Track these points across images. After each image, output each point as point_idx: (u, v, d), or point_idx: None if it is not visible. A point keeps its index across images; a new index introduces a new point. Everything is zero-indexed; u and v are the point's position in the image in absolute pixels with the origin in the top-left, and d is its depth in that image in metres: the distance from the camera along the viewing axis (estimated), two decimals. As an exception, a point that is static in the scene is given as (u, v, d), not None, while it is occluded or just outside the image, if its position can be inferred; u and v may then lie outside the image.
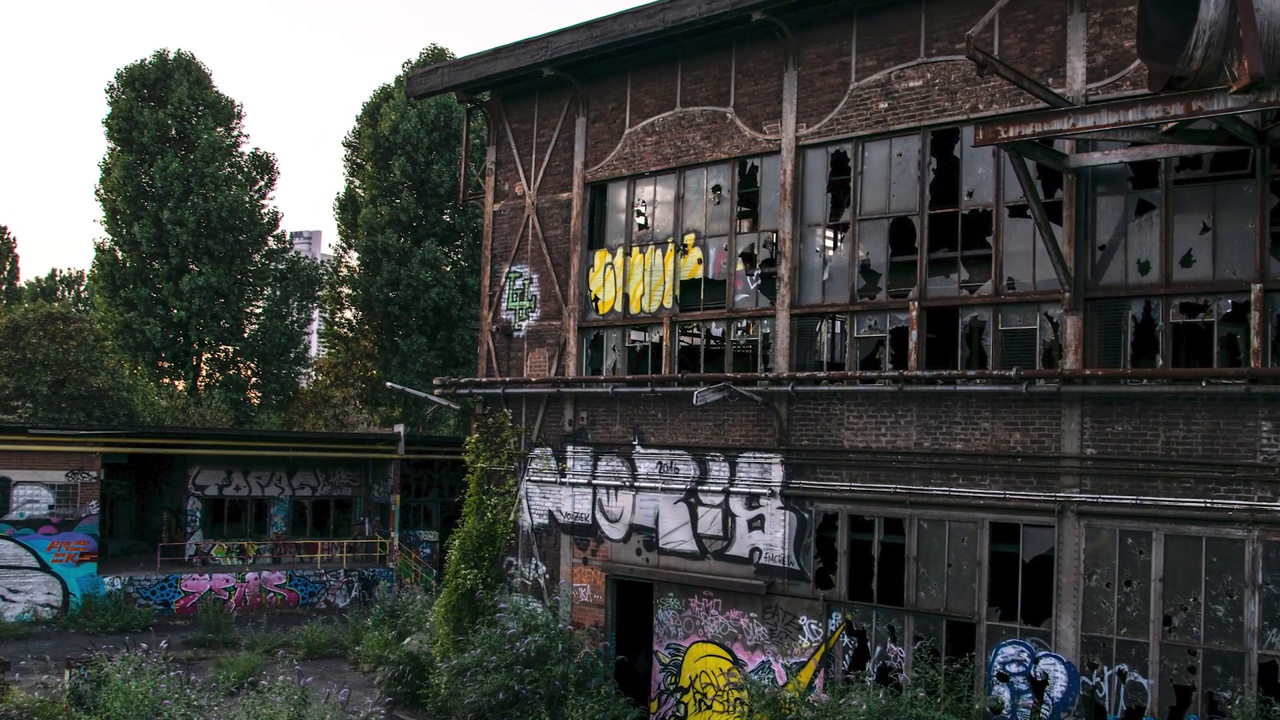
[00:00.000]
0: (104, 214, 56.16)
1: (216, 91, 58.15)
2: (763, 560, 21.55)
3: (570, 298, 25.33)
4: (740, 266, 22.82)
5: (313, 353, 78.81)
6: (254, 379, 59.68)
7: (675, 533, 23.01)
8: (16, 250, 78.50)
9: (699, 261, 23.36)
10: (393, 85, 60.60)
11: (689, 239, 23.51)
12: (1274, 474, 16.20)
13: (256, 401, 60.50)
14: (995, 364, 18.95)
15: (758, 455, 21.80)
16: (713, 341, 24.23)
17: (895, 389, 19.74)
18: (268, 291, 59.19)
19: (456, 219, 57.19)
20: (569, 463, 25.07)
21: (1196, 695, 16.70)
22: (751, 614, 21.68)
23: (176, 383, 58.21)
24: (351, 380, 61.21)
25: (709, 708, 22.24)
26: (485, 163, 27.84)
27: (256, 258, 58.18)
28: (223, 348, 58.32)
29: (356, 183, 60.65)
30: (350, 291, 59.47)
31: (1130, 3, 17.61)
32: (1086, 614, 17.69)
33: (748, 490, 21.85)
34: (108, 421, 49.20)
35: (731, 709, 21.75)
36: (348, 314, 61.45)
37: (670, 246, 23.75)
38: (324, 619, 37.93)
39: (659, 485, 23.34)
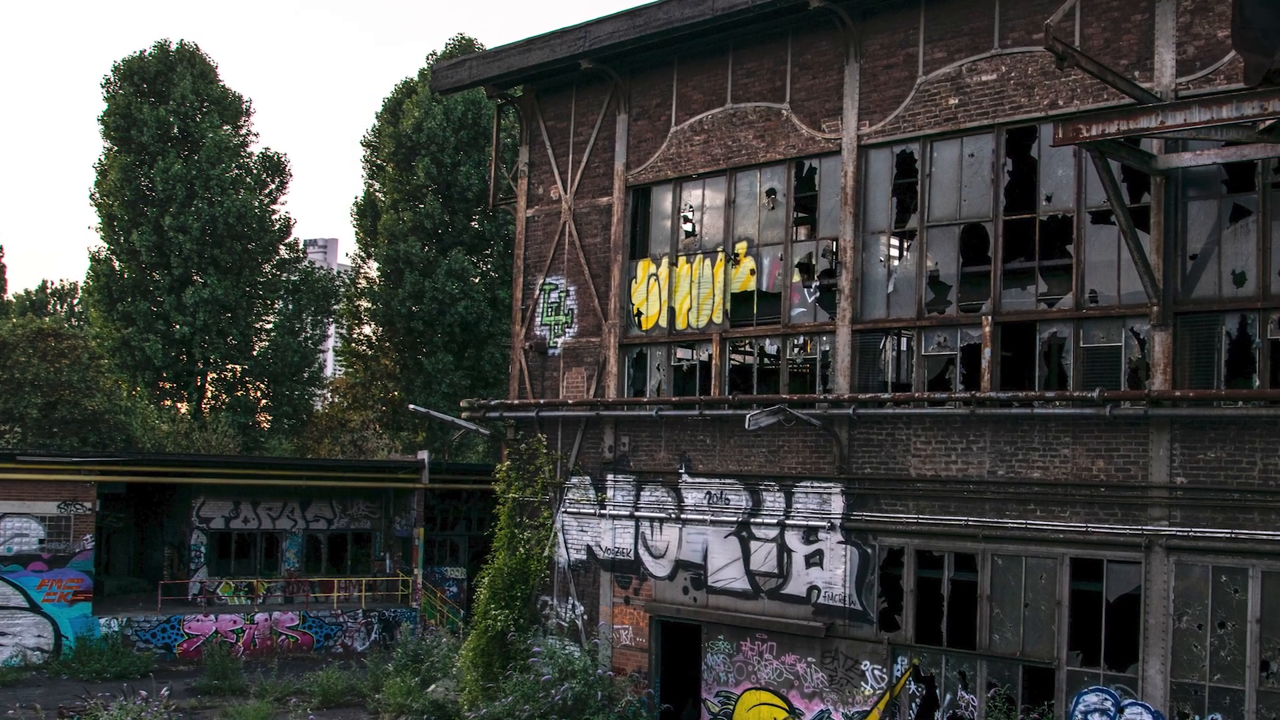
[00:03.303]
0: (99, 220, 57.17)
1: (223, 86, 59.18)
2: (821, 600, 21.97)
3: (610, 312, 25.84)
4: (797, 278, 23.27)
5: (328, 372, 79.70)
6: (264, 401, 60.43)
7: (725, 569, 23.44)
8: (3, 260, 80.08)
9: (751, 272, 23.81)
10: (416, 79, 61.35)
11: (740, 248, 23.99)
12: (1383, 505, 16.47)
13: (266, 426, 61.24)
14: (1076, 384, 19.33)
15: (816, 485, 22.22)
16: (766, 360, 24.64)
17: (967, 412, 20.12)
18: (279, 305, 59.91)
19: (486, 226, 57.83)
20: (609, 493, 25.55)
21: (1299, 749, 16.99)
22: (809, 658, 22.08)
23: (179, 405, 59.07)
24: (371, 402, 61.90)
25: (762, 762, 22.62)
26: (517, 164, 28.42)
27: (266, 268, 58.99)
28: (230, 367, 59.05)
29: (376, 186, 61.43)
30: (369, 305, 60.06)
31: (1223, -11, 17.98)
32: (1176, 658, 18.01)
33: (805, 523, 22.27)
34: (104, 447, 50.08)
35: (787, 763, 22.12)
36: (366, 330, 62.13)
37: (720, 256, 24.23)
38: (341, 664, 38.42)
39: (708, 518, 23.79)
